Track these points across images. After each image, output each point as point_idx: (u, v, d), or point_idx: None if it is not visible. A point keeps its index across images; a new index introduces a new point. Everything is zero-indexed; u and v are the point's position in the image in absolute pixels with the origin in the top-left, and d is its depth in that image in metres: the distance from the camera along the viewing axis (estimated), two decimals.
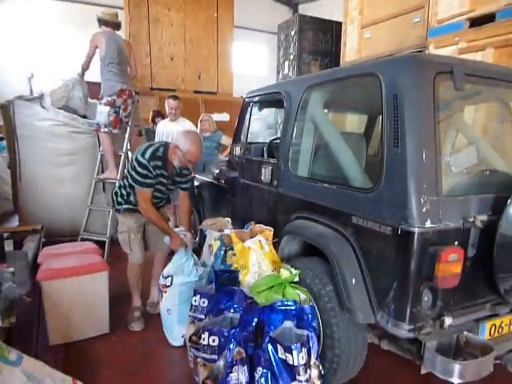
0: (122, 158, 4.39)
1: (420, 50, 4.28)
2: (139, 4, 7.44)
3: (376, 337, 2.09)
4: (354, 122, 3.96)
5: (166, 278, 2.61)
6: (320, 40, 8.27)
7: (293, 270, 2.10)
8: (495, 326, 1.95)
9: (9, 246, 3.45)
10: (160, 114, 5.81)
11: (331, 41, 8.24)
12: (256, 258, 2.31)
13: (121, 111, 4.22)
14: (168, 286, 2.60)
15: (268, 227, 2.53)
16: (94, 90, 4.73)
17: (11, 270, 2.41)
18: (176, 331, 2.61)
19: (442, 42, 4.16)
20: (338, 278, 1.95)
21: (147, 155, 2.59)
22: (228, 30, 8.39)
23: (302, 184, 2.46)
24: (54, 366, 1.93)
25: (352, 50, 5.67)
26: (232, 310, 1.98)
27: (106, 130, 4.17)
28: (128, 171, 2.73)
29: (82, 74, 4.44)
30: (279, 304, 1.86)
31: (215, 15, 8.14)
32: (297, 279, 2.08)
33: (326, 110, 2.61)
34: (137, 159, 2.59)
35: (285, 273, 2.06)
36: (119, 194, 2.81)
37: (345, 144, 2.30)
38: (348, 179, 2.19)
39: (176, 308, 2.59)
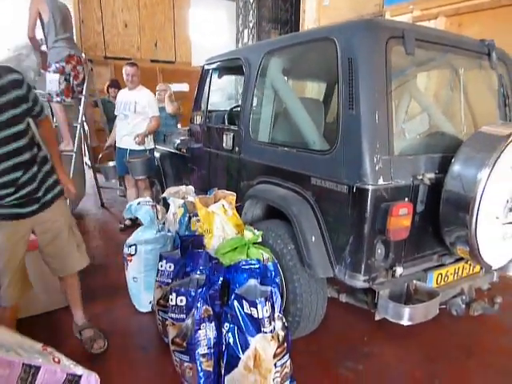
0: (78, 129, 4.24)
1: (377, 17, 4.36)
2: None
3: (335, 291, 2.24)
4: (315, 88, 4.03)
5: (129, 246, 2.62)
6: (279, 8, 8.18)
7: (256, 231, 2.17)
8: (441, 275, 2.13)
9: None
10: (116, 84, 5.60)
11: (290, 9, 8.17)
12: (220, 222, 2.36)
13: (71, 79, 4.03)
14: (132, 255, 2.61)
15: (231, 192, 2.57)
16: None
17: None
18: (143, 298, 2.65)
19: (398, 10, 4.26)
20: (299, 237, 2.05)
21: None
22: None
23: (262, 149, 2.51)
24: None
25: (311, 18, 5.67)
26: (198, 272, 2.03)
27: (59, 99, 3.98)
28: None
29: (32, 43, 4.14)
30: (243, 263, 1.93)
31: None
32: (260, 240, 2.16)
33: (285, 77, 2.64)
34: None
35: (248, 234, 2.13)
36: None
37: (303, 109, 2.35)
38: (307, 142, 2.26)
39: (142, 275, 2.62)
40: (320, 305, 2.12)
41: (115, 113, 4.21)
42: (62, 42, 3.88)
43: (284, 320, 1.86)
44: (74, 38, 7.10)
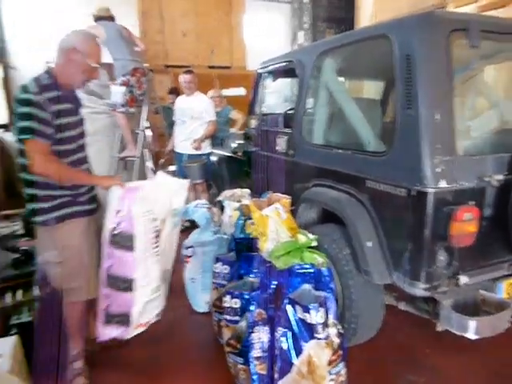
0: (139, 136, 4.47)
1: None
2: None
3: (394, 299, 2.15)
4: (371, 88, 3.90)
5: (187, 248, 2.71)
6: (334, 6, 8.03)
7: (310, 235, 2.15)
8: None
9: None
10: (174, 91, 5.83)
11: (346, 6, 7.98)
12: (274, 226, 2.35)
13: (135, 90, 4.27)
14: (190, 257, 2.70)
15: (285, 195, 2.57)
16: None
17: None
18: (200, 298, 2.73)
19: (462, 0, 4.00)
20: (354, 242, 1.99)
21: (32, 88, 1.74)
22: (240, 1, 8.22)
23: (317, 151, 2.48)
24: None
25: (366, 14, 5.51)
26: (252, 275, 2.05)
27: (123, 109, 4.23)
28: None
29: None
30: (297, 267, 1.92)
31: None
32: (314, 244, 2.13)
33: (339, 77, 2.59)
34: (18, 99, 1.74)
35: (302, 238, 2.11)
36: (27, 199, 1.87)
37: (358, 109, 2.29)
38: (362, 144, 2.19)
39: (199, 276, 2.70)
40: (377, 312, 2.05)
41: (173, 118, 4.39)
42: (126, 55, 4.12)
43: (339, 327, 1.82)
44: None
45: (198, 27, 7.88)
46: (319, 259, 2.04)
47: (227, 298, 1.89)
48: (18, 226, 2.91)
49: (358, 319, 2.01)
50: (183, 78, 4.20)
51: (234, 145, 4.03)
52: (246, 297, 1.85)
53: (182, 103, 4.28)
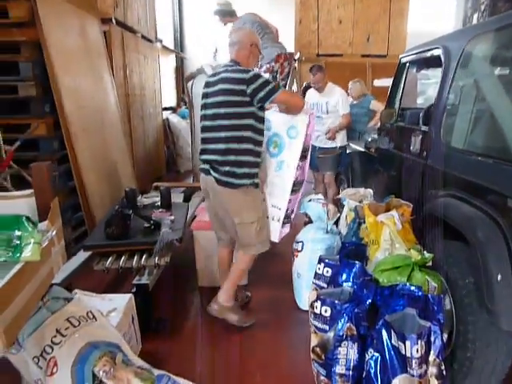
0: None
1: None
2: None
3: None
4: None
5: (297, 242, 2.66)
6: None
7: (425, 252, 1.85)
8: None
9: (179, 198, 4.04)
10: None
11: None
12: (389, 234, 2.11)
13: (277, 75, 4.35)
14: (299, 251, 2.65)
15: (407, 202, 2.27)
16: None
17: (172, 218, 2.84)
18: (304, 295, 2.65)
19: None
20: (481, 271, 1.63)
21: (248, 69, 2.25)
22: None
23: (454, 156, 2.09)
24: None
25: None
26: (350, 284, 1.88)
27: None
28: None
29: None
30: (401, 287, 1.68)
31: None
32: (429, 263, 1.83)
33: (494, 69, 2.11)
34: (252, 76, 2.15)
35: (415, 254, 1.83)
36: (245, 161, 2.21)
37: None
38: None
39: (305, 273, 2.62)
40: (500, 361, 1.64)
41: None
42: (268, 42, 4.21)
43: (442, 367, 1.53)
44: (293, 37, 7.75)
45: (356, 15, 7.54)
46: (432, 283, 1.75)
47: (318, 303, 1.78)
48: (158, 198, 3.29)
49: (471, 364, 1.65)
50: (313, 79, 4.06)
51: (368, 139, 3.76)
52: (337, 308, 1.70)
53: (314, 98, 4.15)
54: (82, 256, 2.71)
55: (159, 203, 3.21)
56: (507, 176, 1.68)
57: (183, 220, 2.91)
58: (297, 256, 2.67)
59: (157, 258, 2.44)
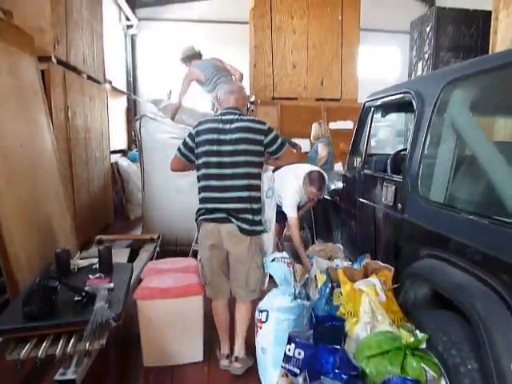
0: None
1: None
2: (263, 15, 7.42)
3: None
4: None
5: (261, 311, 2.27)
6: (462, 34, 7.12)
7: (418, 332, 1.53)
8: None
9: (124, 254, 3.55)
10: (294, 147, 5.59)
11: (476, 34, 7.03)
12: (369, 305, 1.80)
13: None
14: (263, 322, 2.25)
15: (387, 265, 1.98)
16: None
17: (111, 285, 2.37)
18: (270, 374, 2.23)
19: None
20: (487, 356, 1.33)
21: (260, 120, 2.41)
22: (354, 31, 7.80)
23: (435, 211, 1.85)
24: None
25: (505, 39, 4.59)
26: (331, 376, 1.52)
27: None
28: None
29: (173, 115, 4.48)
30: (395, 382, 1.34)
31: (340, 18, 7.65)
32: (423, 345, 1.51)
33: (472, 115, 1.94)
34: (268, 127, 2.30)
35: (406, 335, 1.51)
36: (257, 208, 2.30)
37: (504, 159, 1.64)
38: (507, 210, 1.53)
39: (271, 348, 2.21)
40: None
41: None
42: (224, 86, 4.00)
43: None
44: (248, 80, 7.71)
45: (309, 60, 7.67)
46: (430, 373, 1.43)
47: None
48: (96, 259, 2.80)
49: None
50: (312, 190, 3.20)
51: (331, 186, 3.53)
52: None
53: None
54: None
55: (98, 265, 2.73)
56: (503, 237, 1.44)
57: (125, 287, 2.44)
58: (261, 327, 2.27)
59: (88, 344, 1.95)
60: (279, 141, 2.29)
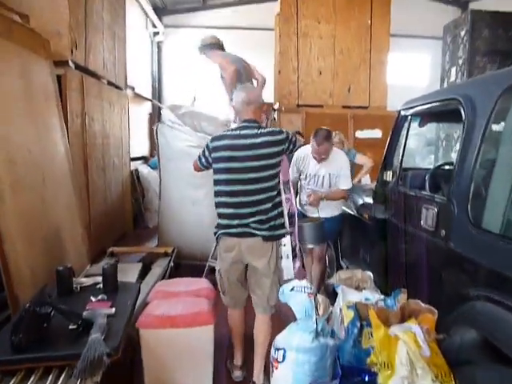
0: None
1: None
2: (289, 20, 7.19)
3: None
4: None
5: (277, 350, 1.97)
6: (499, 38, 6.68)
7: None
8: None
9: (134, 270, 3.33)
10: (299, 135, 5.27)
11: None
12: (406, 356, 1.48)
13: None
14: (280, 362, 1.95)
15: (430, 307, 1.65)
16: None
17: (112, 311, 2.13)
18: None
19: None
20: None
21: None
22: (383, 37, 7.45)
23: (489, 243, 1.53)
24: None
25: None
26: None
27: None
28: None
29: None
30: None
31: (369, 22, 7.32)
32: None
33: None
34: (287, 134, 2.35)
35: None
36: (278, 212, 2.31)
37: None
38: None
39: None
40: None
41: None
42: None
43: None
44: (272, 87, 7.45)
45: (336, 66, 7.37)
46: None
47: None
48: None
49: None
50: (314, 145, 3.15)
51: (359, 201, 3.20)
52: None
53: (311, 168, 3.31)
54: None
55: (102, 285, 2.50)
56: None
57: (127, 313, 2.19)
58: (276, 368, 1.97)
59: (79, 382, 1.71)
60: (294, 139, 2.36)
